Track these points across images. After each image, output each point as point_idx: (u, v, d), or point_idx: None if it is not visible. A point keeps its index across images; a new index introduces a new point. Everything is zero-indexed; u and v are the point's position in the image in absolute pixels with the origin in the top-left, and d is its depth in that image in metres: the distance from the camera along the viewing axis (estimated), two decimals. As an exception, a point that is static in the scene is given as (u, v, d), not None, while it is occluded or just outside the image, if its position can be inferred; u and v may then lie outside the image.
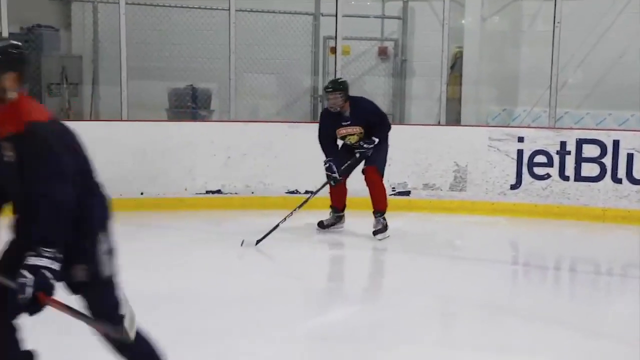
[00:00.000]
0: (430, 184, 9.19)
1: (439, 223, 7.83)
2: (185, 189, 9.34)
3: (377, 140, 7.79)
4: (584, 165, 8.91)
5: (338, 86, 7.91)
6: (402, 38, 12.50)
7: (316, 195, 8.12)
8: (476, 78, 11.68)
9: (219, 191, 9.34)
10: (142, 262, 6.86)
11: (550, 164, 9.03)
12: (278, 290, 6.08)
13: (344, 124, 7.87)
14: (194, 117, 11.83)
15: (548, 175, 9.04)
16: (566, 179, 8.98)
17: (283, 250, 7.47)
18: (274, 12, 11.87)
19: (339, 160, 7.87)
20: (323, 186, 8.02)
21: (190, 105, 12.03)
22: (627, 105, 10.71)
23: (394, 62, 12.48)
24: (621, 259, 7.62)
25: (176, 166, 9.32)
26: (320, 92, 12.23)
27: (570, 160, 8.95)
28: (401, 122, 11.77)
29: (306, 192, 9.37)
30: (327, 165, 7.88)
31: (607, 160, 8.83)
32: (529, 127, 9.95)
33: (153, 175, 9.16)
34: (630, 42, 10.74)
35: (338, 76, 9.92)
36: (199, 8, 11.74)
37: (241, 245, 7.25)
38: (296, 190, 9.44)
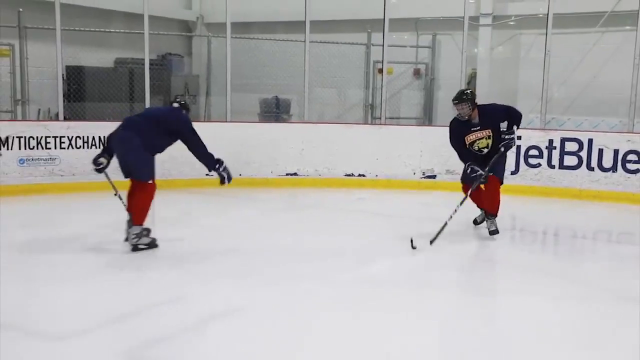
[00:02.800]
0: (450, 170, 9.11)
1: (457, 199, 7.72)
2: (271, 172, 9.40)
3: (515, 128, 6.33)
4: (566, 157, 8.79)
5: (462, 97, 6.38)
6: (431, 62, 12.42)
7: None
8: (486, 92, 11.55)
9: (295, 174, 9.39)
10: (239, 224, 7.04)
11: (541, 156, 8.91)
12: (336, 247, 6.17)
13: (473, 129, 6.35)
14: (278, 120, 11.91)
15: (539, 165, 8.93)
16: (552, 167, 8.86)
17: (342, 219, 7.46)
18: (337, 43, 11.88)
19: (478, 164, 6.33)
20: (474, 188, 6.35)
21: (275, 111, 12.12)
22: (599, 113, 10.53)
23: (425, 80, 12.40)
24: (593, 227, 7.54)
25: (264, 155, 9.38)
26: (370, 100, 12.24)
27: (555, 154, 8.83)
28: (430, 124, 11.71)
29: (359, 175, 9.43)
30: (469, 168, 6.33)
31: (583, 154, 8.70)
32: (525, 128, 9.79)
33: (248, 161, 9.25)
34: (601, 67, 10.55)
35: (383, 91, 9.92)
36: (283, 40, 11.84)
37: (411, 244, 5.90)
38: (352, 173, 9.45)
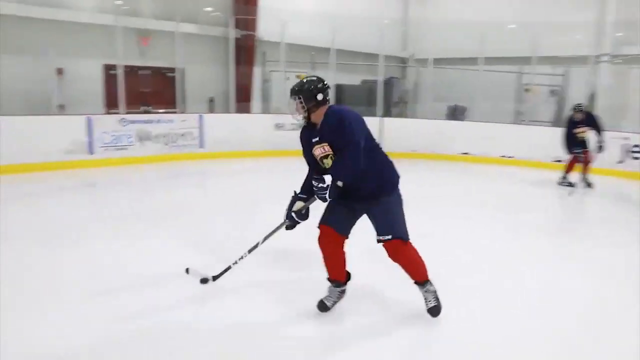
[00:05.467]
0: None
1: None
2: (448, 150, 9.61)
3: (335, 175, 2.69)
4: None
5: (295, 88, 2.85)
6: (563, 85, 12.09)
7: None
8: (602, 107, 11.03)
9: (466, 153, 9.44)
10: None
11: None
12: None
13: (313, 140, 2.85)
14: (456, 119, 11.50)
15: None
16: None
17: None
18: (499, 72, 11.81)
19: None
20: (278, 228, 3.05)
21: (455, 114, 11.85)
22: None
23: (558, 97, 12.13)
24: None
25: (449, 140, 9.58)
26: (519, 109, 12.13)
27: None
28: (557, 126, 11.40)
29: (509, 156, 9.36)
30: (289, 202, 2.94)
31: None
32: (632, 132, 9.05)
33: (436, 143, 9.62)
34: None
35: (529, 104, 9.89)
36: (464, 69, 11.30)
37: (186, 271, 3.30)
38: (504, 155, 9.40)
